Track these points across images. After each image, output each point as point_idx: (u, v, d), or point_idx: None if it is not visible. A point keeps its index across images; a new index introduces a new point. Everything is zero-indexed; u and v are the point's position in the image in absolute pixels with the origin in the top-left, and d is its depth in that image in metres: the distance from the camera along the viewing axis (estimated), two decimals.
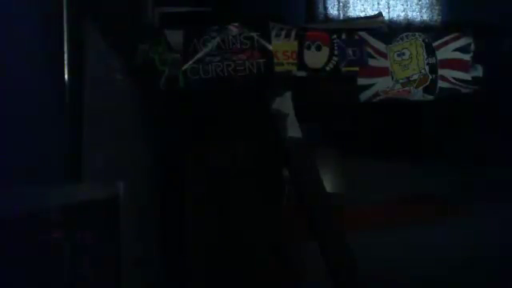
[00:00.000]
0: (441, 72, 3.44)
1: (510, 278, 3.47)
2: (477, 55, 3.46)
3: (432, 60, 3.44)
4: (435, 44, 3.46)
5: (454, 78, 3.45)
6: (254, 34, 3.36)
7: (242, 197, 3.43)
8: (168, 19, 3.41)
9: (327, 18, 3.86)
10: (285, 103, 3.38)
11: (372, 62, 3.41)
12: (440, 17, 3.87)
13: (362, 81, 3.40)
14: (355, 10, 3.87)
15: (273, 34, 3.37)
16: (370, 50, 3.42)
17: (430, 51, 3.45)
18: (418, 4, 3.88)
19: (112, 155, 2.80)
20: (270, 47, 3.35)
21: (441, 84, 3.45)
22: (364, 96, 3.42)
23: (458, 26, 3.59)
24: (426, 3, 3.88)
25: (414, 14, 3.88)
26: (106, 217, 2.47)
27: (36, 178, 2.13)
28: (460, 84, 3.46)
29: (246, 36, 3.36)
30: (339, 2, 3.87)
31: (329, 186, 3.50)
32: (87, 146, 2.51)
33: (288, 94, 3.38)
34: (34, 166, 2.13)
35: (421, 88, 3.45)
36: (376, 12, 3.72)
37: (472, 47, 3.46)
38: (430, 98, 3.47)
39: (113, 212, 2.53)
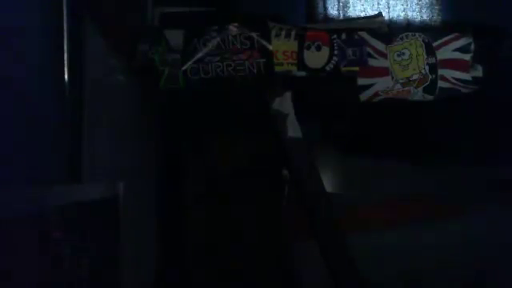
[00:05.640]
0: (441, 72, 3.45)
1: (509, 278, 3.47)
2: (477, 55, 3.46)
3: (432, 60, 3.44)
4: (435, 44, 3.46)
5: (454, 78, 3.45)
6: (254, 34, 3.36)
7: (242, 197, 3.43)
8: (168, 19, 3.41)
9: (327, 18, 3.86)
10: (285, 103, 3.38)
11: (372, 62, 3.42)
12: (440, 17, 3.86)
13: (362, 81, 3.41)
14: (355, 10, 3.87)
15: (273, 33, 3.37)
16: (370, 50, 3.42)
17: (430, 51, 3.45)
18: (417, 4, 3.87)
19: (112, 155, 2.80)
20: (270, 47, 3.35)
21: (441, 84, 3.45)
22: (364, 96, 3.42)
23: (458, 25, 3.59)
24: (426, 3, 3.87)
25: (414, 13, 3.87)
26: (106, 217, 2.47)
27: (36, 178, 2.13)
28: (460, 84, 3.46)
29: (245, 36, 3.36)
30: (339, 2, 3.87)
31: (329, 186, 3.51)
32: (87, 145, 2.51)
33: (288, 94, 3.38)
34: (34, 165, 2.13)
35: (421, 88, 3.45)
36: (376, 12, 3.72)
37: (472, 47, 3.47)
38: (430, 98, 3.47)
39: (113, 212, 2.53)
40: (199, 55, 3.32)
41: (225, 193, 3.44)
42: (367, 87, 3.41)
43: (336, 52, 3.38)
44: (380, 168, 3.83)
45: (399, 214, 3.82)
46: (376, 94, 3.43)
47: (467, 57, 3.46)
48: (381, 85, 3.42)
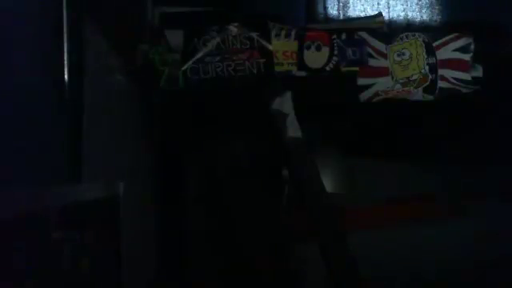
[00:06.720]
0: (441, 72, 3.45)
1: (509, 277, 3.47)
2: (477, 55, 3.46)
3: (432, 60, 3.45)
4: (435, 44, 3.46)
5: (454, 78, 3.46)
6: (254, 34, 3.36)
7: (242, 197, 3.43)
8: (168, 19, 3.42)
9: (327, 18, 3.86)
10: (285, 103, 3.38)
11: (372, 62, 3.42)
12: (440, 17, 3.87)
13: (362, 81, 3.41)
14: (355, 10, 3.87)
15: (273, 33, 3.37)
16: (370, 50, 3.42)
17: (430, 51, 3.45)
18: (417, 4, 3.88)
19: (112, 155, 2.80)
20: (270, 47, 3.35)
21: (441, 84, 3.45)
22: (364, 96, 3.42)
23: (458, 26, 3.60)
24: (426, 3, 3.88)
25: (414, 14, 3.88)
26: (106, 217, 2.47)
27: (36, 178, 2.13)
28: (460, 84, 3.46)
29: (245, 36, 3.36)
30: (339, 2, 3.87)
31: (329, 186, 3.51)
32: (87, 145, 2.51)
33: (288, 94, 3.38)
34: (34, 165, 2.13)
35: (421, 88, 3.45)
36: (376, 12, 3.72)
37: (472, 47, 3.47)
38: (430, 98, 3.47)
39: (113, 212, 2.53)
40: (199, 55, 3.32)
41: (225, 193, 3.43)
42: (367, 87, 3.41)
43: (336, 52, 3.38)
44: (380, 168, 3.83)
45: (399, 214, 3.82)
46: (376, 94, 3.43)
47: (467, 57, 3.47)
48: (381, 85, 3.42)
